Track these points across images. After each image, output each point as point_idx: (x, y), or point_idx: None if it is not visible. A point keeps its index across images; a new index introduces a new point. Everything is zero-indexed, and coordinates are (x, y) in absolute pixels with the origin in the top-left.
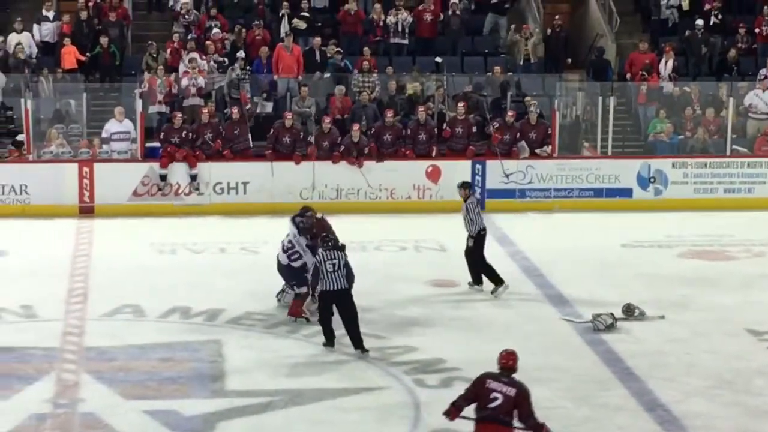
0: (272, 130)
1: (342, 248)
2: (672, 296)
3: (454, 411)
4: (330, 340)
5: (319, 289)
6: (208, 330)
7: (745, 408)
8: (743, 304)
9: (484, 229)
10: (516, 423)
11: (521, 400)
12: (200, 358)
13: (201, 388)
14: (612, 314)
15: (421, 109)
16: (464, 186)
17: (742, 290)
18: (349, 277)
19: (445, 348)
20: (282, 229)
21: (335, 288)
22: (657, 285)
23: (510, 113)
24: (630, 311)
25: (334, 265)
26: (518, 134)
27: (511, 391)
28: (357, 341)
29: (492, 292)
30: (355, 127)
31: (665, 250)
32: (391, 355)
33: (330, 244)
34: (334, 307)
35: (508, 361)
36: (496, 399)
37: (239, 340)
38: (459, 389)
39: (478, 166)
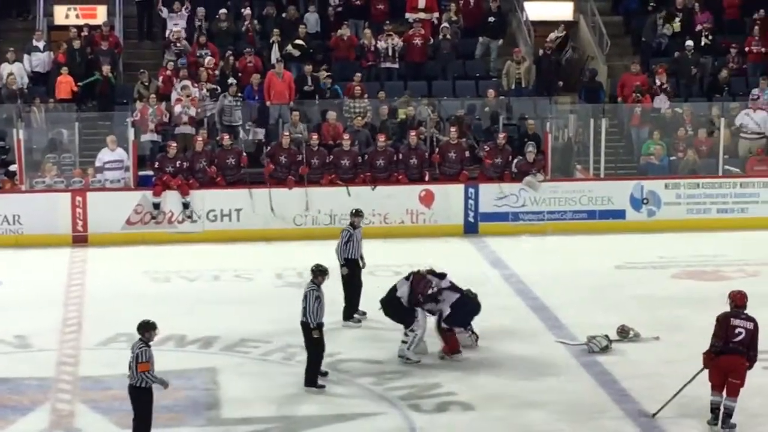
0: (269, 148)
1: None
2: (667, 317)
3: (708, 359)
4: None
5: None
6: (203, 358)
7: (742, 427)
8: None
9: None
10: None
11: (757, 332)
12: (195, 386)
13: (196, 417)
14: (607, 336)
15: (412, 133)
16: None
17: None
18: None
19: (439, 372)
20: (275, 254)
21: None
22: (651, 306)
23: (501, 135)
24: (625, 333)
25: None
26: (510, 157)
27: (750, 325)
28: None
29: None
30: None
31: (659, 272)
32: (387, 380)
33: None
34: None
35: (744, 299)
36: (740, 333)
37: (234, 368)
38: (455, 413)
39: (471, 190)
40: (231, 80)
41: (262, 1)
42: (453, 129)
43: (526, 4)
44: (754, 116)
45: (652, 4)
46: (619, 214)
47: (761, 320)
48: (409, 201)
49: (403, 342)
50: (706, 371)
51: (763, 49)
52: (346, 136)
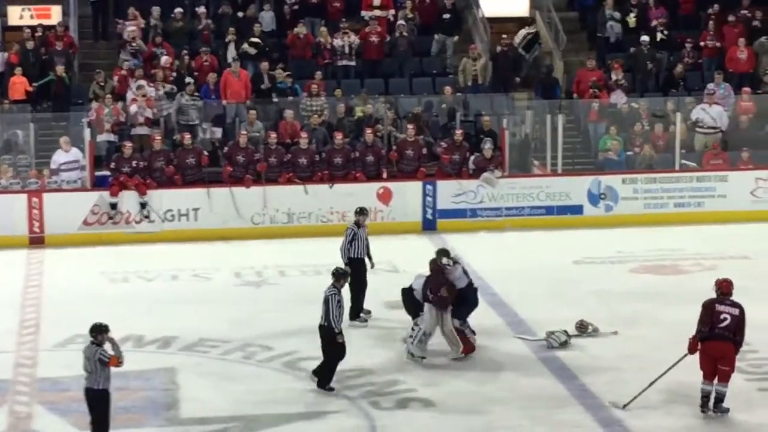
0: (226, 149)
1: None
2: (625, 312)
3: (694, 344)
4: None
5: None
6: (161, 358)
7: (700, 421)
8: (696, 317)
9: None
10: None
11: (743, 318)
12: (154, 386)
13: (155, 417)
14: (566, 331)
15: (368, 131)
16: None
17: (694, 304)
18: None
19: (399, 369)
20: (233, 254)
21: None
22: (610, 301)
23: (458, 132)
24: (583, 328)
25: None
26: (467, 154)
27: (736, 311)
28: None
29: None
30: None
31: (617, 266)
32: (347, 378)
33: None
34: None
35: (730, 286)
36: (726, 319)
37: (193, 368)
38: (415, 410)
39: (429, 187)
40: (188, 79)
41: (218, 0)
42: (410, 126)
43: (481, 1)
44: (710, 111)
45: None
46: (577, 210)
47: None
48: (367, 198)
49: (409, 336)
50: (686, 359)
51: (717, 44)
52: (303, 135)
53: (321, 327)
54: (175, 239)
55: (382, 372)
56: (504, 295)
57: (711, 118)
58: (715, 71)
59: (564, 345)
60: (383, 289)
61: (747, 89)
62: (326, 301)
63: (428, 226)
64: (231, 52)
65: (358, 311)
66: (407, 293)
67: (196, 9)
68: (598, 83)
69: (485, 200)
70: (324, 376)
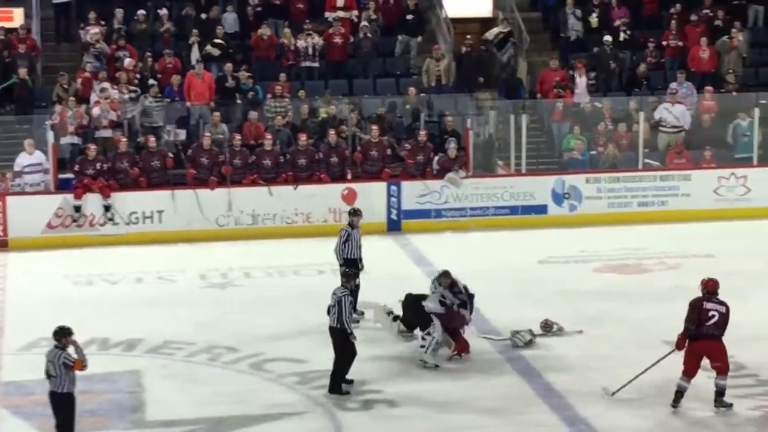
0: (189, 152)
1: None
2: (589, 311)
3: (682, 340)
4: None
5: None
6: (126, 361)
7: (664, 419)
8: (660, 316)
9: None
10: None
11: (728, 315)
12: (119, 389)
13: (120, 420)
14: (531, 331)
15: (332, 132)
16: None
17: (658, 302)
18: None
19: (365, 370)
20: (198, 255)
21: None
22: (574, 300)
23: (422, 133)
24: (548, 327)
25: None
26: (431, 154)
27: (723, 309)
28: None
29: None
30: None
31: (581, 266)
32: (312, 379)
33: None
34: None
35: (716, 285)
36: (714, 316)
37: (159, 370)
38: (380, 411)
39: (394, 188)
40: (151, 82)
41: (181, 2)
42: (374, 127)
43: (444, 1)
44: (673, 110)
45: None
46: (541, 209)
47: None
48: (331, 200)
49: (421, 347)
50: (672, 356)
51: (680, 44)
52: (267, 136)
53: (333, 329)
54: (140, 242)
55: (348, 373)
56: None
57: (674, 117)
58: (678, 71)
59: (529, 344)
60: None
61: (709, 88)
62: (339, 303)
63: (393, 226)
64: (194, 54)
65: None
66: (415, 306)
67: (159, 11)
68: (562, 83)
69: (450, 200)
70: (333, 379)
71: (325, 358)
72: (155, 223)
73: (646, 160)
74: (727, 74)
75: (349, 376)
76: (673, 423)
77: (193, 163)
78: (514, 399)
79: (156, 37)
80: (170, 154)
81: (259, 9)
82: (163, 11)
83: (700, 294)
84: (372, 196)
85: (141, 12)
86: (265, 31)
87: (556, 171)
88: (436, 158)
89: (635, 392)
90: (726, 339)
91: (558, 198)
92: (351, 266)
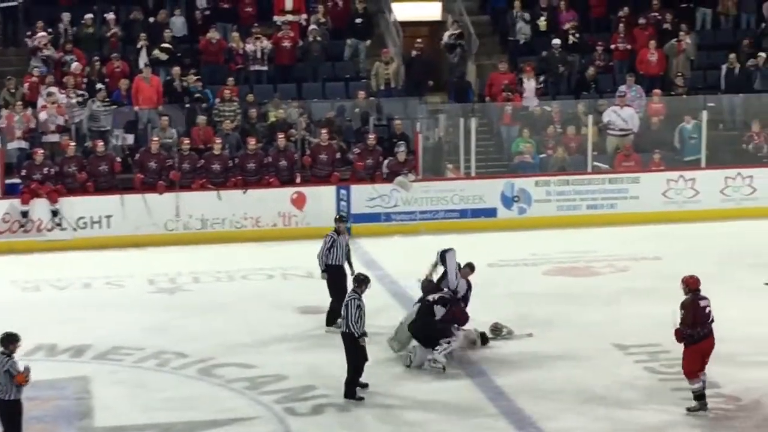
0: (137, 156)
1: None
2: (539, 314)
3: (681, 336)
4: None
5: None
6: (74, 367)
7: (616, 421)
8: (609, 318)
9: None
10: None
11: None
12: (67, 395)
13: (68, 427)
14: (482, 333)
15: (281, 136)
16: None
17: (607, 305)
18: None
19: (315, 375)
20: (147, 260)
21: None
22: (524, 303)
23: (371, 136)
24: (498, 330)
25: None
26: (380, 158)
27: (709, 302)
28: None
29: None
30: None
31: (531, 269)
32: (261, 384)
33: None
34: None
35: (697, 282)
36: (710, 312)
37: (107, 376)
38: (330, 416)
39: (343, 192)
40: (99, 86)
41: (128, 6)
42: (323, 131)
43: (393, 5)
44: (621, 113)
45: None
46: (491, 213)
47: (634, 313)
48: (281, 204)
49: (435, 349)
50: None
51: (628, 47)
52: (217, 140)
53: (343, 334)
54: (88, 247)
55: (298, 378)
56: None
57: (622, 120)
58: (626, 74)
59: (477, 346)
60: (298, 296)
61: (658, 91)
62: (346, 307)
63: None
64: (143, 58)
65: (335, 317)
66: (427, 324)
67: (106, 15)
68: (511, 86)
69: (399, 204)
70: (347, 385)
71: (274, 363)
72: (103, 228)
73: (595, 163)
74: (676, 77)
75: (299, 379)
76: (620, 426)
77: (141, 168)
78: (464, 402)
79: (104, 41)
80: (118, 159)
81: (208, 13)
82: (111, 15)
83: (679, 294)
84: (321, 200)
85: (88, 16)
86: (213, 35)
87: (506, 174)
88: (386, 162)
89: (584, 394)
90: (674, 341)
91: (507, 201)
92: (333, 272)
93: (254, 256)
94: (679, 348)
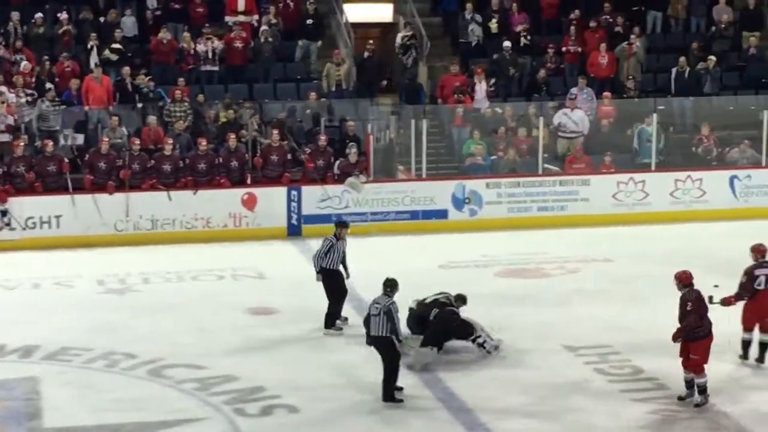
0: (87, 157)
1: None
2: (490, 315)
3: (679, 333)
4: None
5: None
6: (23, 367)
7: (564, 423)
8: (560, 320)
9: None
10: None
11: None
12: (15, 396)
13: (17, 428)
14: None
15: (232, 136)
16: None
17: (558, 307)
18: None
19: (264, 376)
20: (96, 261)
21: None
22: (475, 304)
23: (322, 137)
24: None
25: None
26: (331, 159)
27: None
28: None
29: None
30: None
31: (482, 270)
32: (211, 385)
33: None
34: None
35: (690, 278)
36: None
37: (56, 377)
38: (280, 416)
39: (294, 193)
40: (48, 85)
41: (79, 5)
42: (274, 132)
43: (345, 6)
44: (572, 115)
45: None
46: (442, 214)
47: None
48: (231, 204)
49: (481, 346)
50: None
51: (579, 49)
52: (168, 141)
53: (378, 338)
54: (37, 247)
55: (247, 379)
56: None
57: (573, 122)
58: (578, 76)
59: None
60: (248, 297)
61: (608, 94)
62: (388, 313)
63: (293, 231)
64: (93, 58)
65: (333, 320)
66: (451, 319)
67: (58, 14)
68: (462, 88)
69: (350, 205)
70: (386, 388)
71: (224, 363)
72: (53, 228)
73: (546, 165)
74: (627, 80)
75: (248, 380)
76: (574, 427)
77: (90, 168)
78: (414, 404)
79: (54, 41)
80: (66, 159)
81: (159, 13)
82: (63, 15)
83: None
84: (272, 200)
85: (39, 15)
86: (164, 35)
87: (457, 176)
88: (337, 163)
89: (534, 396)
90: (624, 343)
91: (458, 203)
92: (329, 275)
93: (204, 257)
94: (629, 350)
